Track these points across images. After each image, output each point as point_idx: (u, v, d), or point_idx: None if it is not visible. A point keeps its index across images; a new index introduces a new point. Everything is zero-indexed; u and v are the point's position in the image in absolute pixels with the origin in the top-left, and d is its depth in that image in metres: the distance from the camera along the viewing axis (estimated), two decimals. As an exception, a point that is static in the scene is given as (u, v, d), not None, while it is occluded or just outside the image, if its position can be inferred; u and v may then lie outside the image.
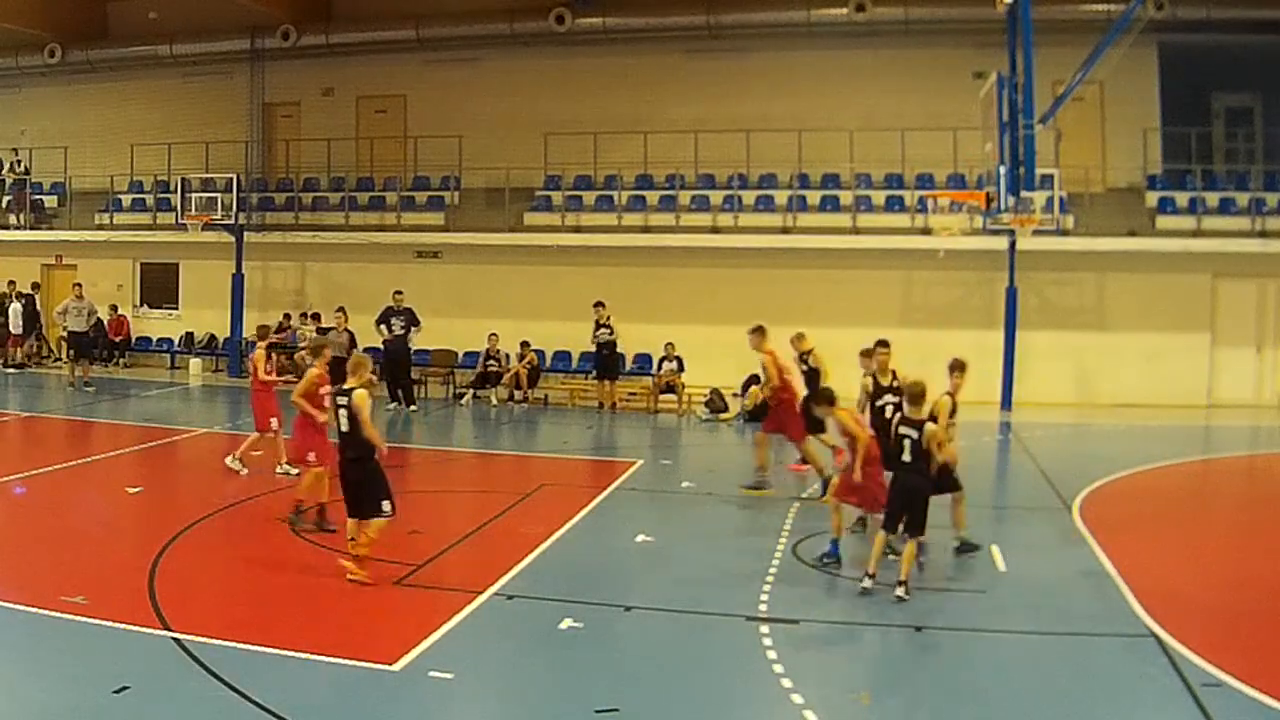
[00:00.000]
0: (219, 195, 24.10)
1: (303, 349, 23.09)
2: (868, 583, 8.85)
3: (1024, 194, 15.81)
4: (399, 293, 20.60)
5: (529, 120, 24.00)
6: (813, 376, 12.90)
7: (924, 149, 21.55)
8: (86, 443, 15.73)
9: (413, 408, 19.72)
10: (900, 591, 8.64)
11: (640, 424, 19.45)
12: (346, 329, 19.48)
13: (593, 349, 21.24)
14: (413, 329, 20.38)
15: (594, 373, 21.37)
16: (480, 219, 23.94)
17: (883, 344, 11.46)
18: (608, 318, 20.78)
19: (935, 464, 8.98)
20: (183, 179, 24.26)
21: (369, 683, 6.88)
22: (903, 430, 8.96)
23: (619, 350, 21.10)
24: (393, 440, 16.98)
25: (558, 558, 9.97)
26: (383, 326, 20.14)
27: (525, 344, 21.79)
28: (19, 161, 26.88)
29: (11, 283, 25.30)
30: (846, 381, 11.72)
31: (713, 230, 22.63)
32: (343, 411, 8.99)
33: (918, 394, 9.04)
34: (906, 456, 8.90)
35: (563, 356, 23.07)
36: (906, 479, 8.93)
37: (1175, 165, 21.85)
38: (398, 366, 20.13)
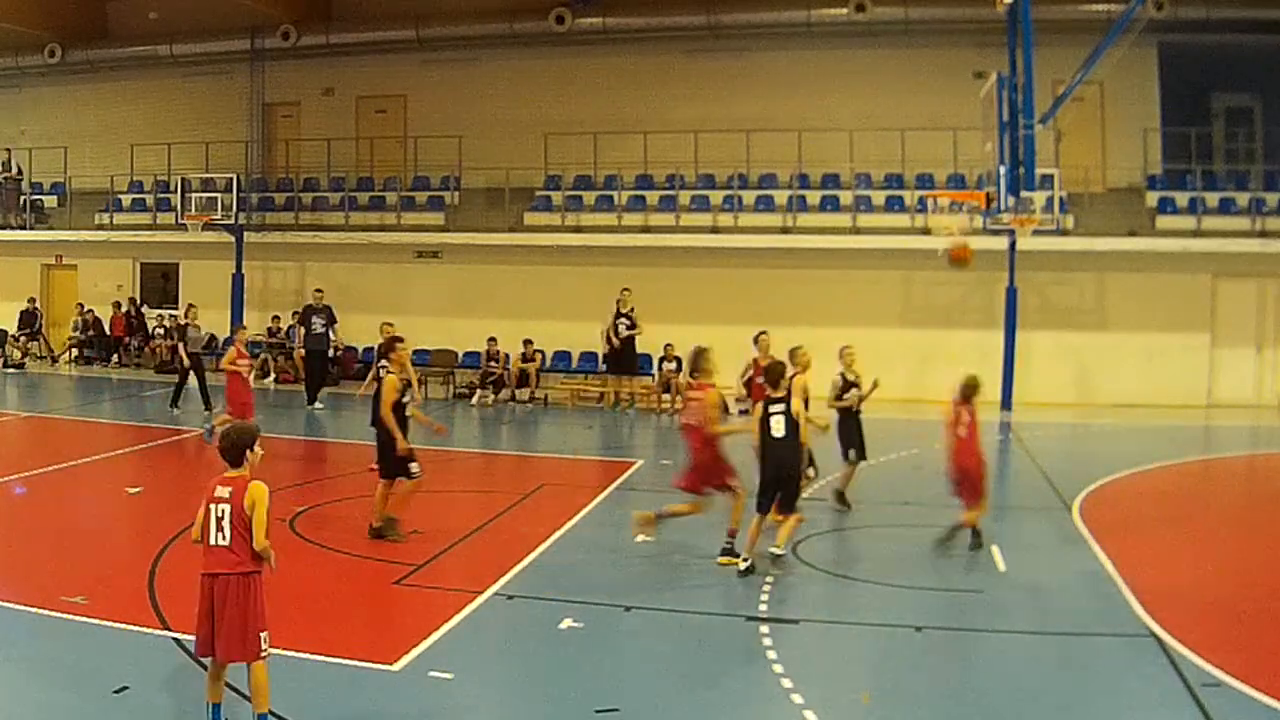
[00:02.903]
0: (219, 195, 24.12)
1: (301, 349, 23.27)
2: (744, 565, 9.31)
3: (1024, 194, 15.83)
4: (319, 291, 20.75)
5: (529, 120, 24.00)
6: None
7: (924, 149, 21.56)
8: (86, 443, 15.72)
9: (319, 405, 19.78)
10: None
11: (640, 424, 19.44)
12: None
13: (606, 347, 20.59)
14: (333, 327, 20.50)
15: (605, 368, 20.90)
16: (480, 219, 23.94)
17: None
18: (631, 307, 20.39)
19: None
20: (183, 179, 24.29)
21: (369, 683, 6.88)
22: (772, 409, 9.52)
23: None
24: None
25: (558, 558, 9.97)
26: (303, 327, 20.28)
27: (528, 342, 21.84)
28: (13, 163, 26.83)
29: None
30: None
31: (713, 230, 22.63)
32: None
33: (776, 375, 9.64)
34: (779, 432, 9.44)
35: (563, 356, 23.08)
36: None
37: (1175, 165, 21.85)
38: (320, 365, 20.29)
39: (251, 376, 15.51)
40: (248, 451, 5.99)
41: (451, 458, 16.30)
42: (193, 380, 18.58)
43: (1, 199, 26.65)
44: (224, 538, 5.84)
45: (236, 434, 6.06)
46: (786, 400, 9.52)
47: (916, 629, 8.15)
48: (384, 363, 11.57)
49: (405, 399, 10.59)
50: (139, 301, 26.37)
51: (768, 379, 9.76)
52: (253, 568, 5.86)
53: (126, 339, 25.92)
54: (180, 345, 18.83)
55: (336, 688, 6.82)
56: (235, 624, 5.81)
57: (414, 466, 10.27)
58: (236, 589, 5.81)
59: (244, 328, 16.55)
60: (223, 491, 5.89)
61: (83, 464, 13.83)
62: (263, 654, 5.89)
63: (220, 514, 5.86)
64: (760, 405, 9.75)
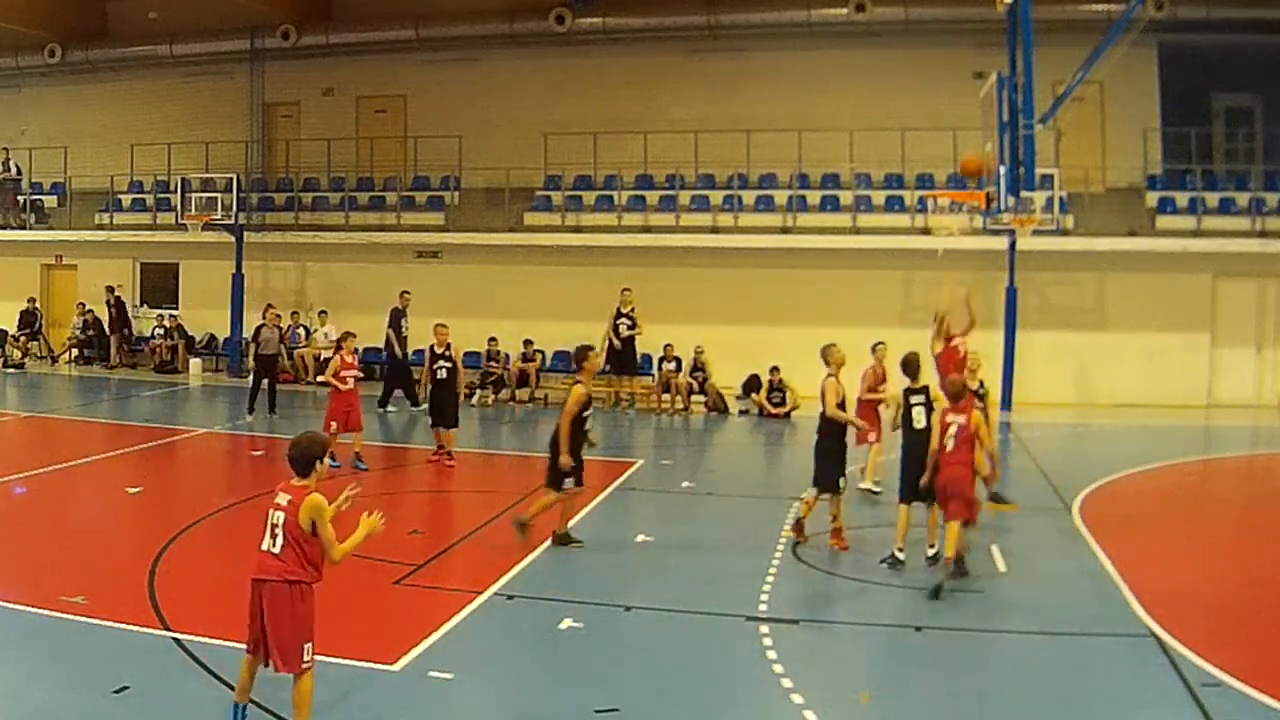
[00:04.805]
0: (219, 195, 24.10)
1: (303, 348, 23.30)
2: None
3: (1024, 194, 15.80)
4: (406, 293, 20.27)
5: (529, 120, 23.97)
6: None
7: (924, 149, 21.53)
8: (86, 443, 15.73)
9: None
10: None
11: (640, 424, 19.43)
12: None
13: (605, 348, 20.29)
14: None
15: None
16: (480, 219, 23.93)
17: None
18: (632, 307, 20.35)
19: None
20: (183, 179, 24.26)
21: (369, 683, 6.88)
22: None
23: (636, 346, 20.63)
24: (394, 441, 17.04)
25: (558, 558, 9.97)
26: (392, 330, 19.95)
27: (528, 342, 21.84)
28: (13, 163, 26.80)
29: None
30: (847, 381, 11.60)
31: (713, 230, 22.62)
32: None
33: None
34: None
35: (563, 356, 23.05)
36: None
37: (1175, 165, 21.84)
38: (409, 369, 20.10)
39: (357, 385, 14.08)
40: (317, 463, 5.98)
41: (451, 457, 16.30)
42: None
43: (1, 199, 26.64)
44: (275, 545, 5.85)
45: (308, 443, 6.04)
46: (926, 391, 9.83)
47: (916, 629, 8.16)
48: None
49: (587, 413, 10.35)
50: (119, 298, 26.00)
51: (905, 371, 10.07)
52: (300, 577, 5.83)
53: (111, 335, 25.72)
54: (252, 348, 18.63)
55: (336, 688, 6.81)
56: (283, 632, 5.83)
57: (568, 483, 10.13)
58: (283, 596, 5.81)
59: (353, 335, 14.83)
60: (282, 499, 5.91)
61: (83, 464, 13.83)
62: (305, 665, 5.89)
63: (276, 520, 5.87)
64: (900, 397, 10.04)
